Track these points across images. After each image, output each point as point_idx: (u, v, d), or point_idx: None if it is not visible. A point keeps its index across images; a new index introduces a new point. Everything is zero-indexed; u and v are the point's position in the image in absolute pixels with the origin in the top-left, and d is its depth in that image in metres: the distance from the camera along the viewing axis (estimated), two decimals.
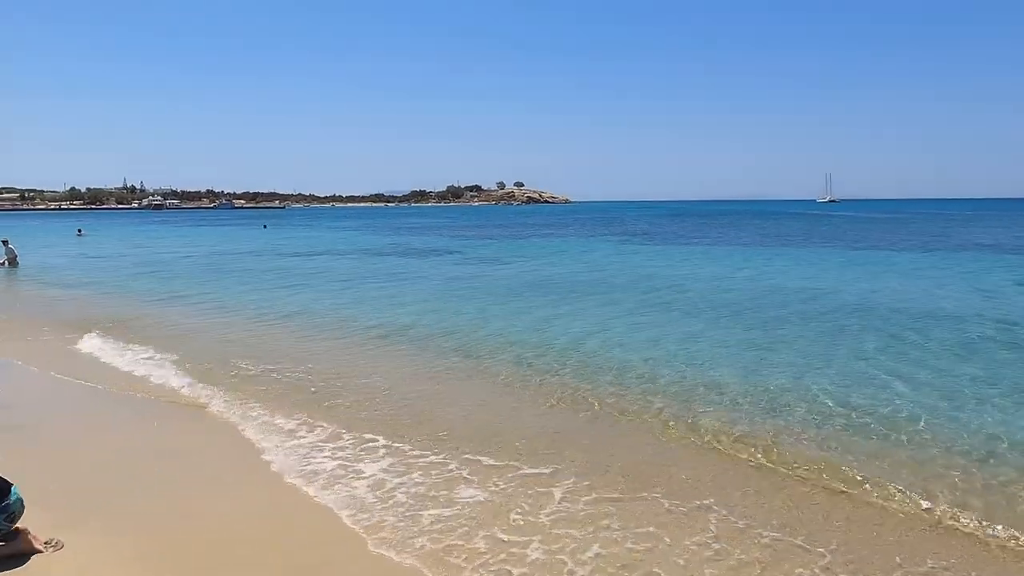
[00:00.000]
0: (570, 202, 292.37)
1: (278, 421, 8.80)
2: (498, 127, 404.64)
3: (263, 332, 15.42)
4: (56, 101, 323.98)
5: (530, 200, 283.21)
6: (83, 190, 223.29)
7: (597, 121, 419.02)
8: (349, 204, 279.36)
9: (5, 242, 33.58)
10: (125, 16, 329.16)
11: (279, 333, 15.23)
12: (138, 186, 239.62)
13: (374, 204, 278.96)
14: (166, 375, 11.26)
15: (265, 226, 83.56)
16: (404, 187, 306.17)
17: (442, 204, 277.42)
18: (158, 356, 12.64)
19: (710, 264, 31.48)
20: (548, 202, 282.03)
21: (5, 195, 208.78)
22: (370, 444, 7.94)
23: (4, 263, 32.01)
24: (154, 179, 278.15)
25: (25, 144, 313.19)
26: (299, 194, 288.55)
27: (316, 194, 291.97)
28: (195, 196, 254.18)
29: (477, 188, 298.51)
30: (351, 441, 8.03)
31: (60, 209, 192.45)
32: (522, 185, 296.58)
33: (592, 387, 10.33)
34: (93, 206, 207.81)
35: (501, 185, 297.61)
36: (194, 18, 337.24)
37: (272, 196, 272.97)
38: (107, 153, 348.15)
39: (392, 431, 8.38)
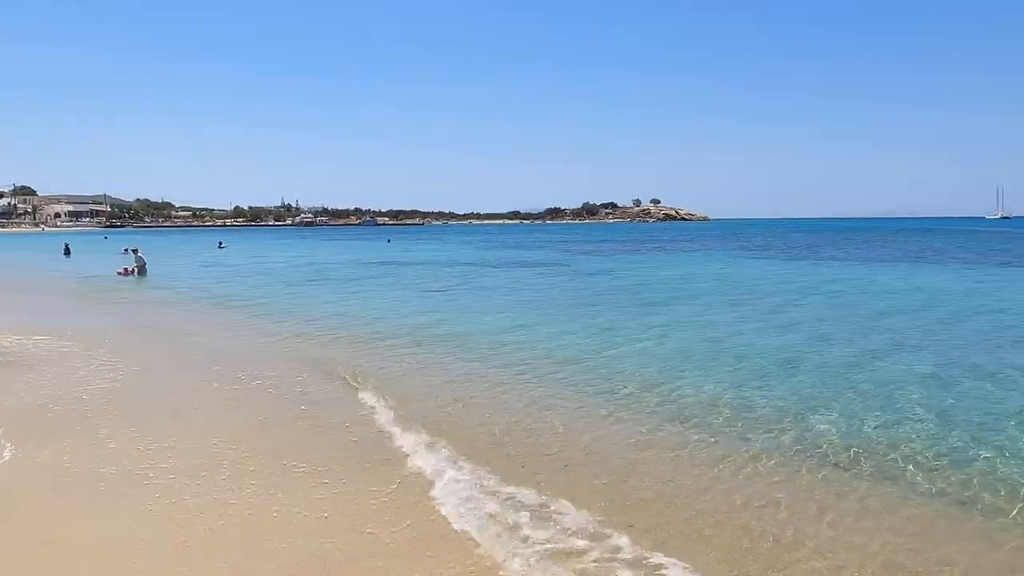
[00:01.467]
0: (708, 219, 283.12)
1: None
2: (635, 144, 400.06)
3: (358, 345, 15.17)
4: (222, 129, 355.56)
5: (667, 217, 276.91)
6: (246, 208, 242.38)
7: (742, 133, 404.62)
8: (486, 222, 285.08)
9: (135, 251, 36.53)
10: (275, 53, 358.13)
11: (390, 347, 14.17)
12: (293, 204, 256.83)
13: (510, 221, 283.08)
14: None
15: (389, 240, 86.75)
16: (540, 205, 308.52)
17: (576, 221, 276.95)
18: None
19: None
20: (685, 219, 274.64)
21: (181, 212, 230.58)
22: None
23: (134, 270, 34.65)
24: (308, 199, 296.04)
25: (199, 169, 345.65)
26: (439, 212, 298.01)
27: (455, 212, 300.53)
28: (344, 214, 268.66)
29: (612, 205, 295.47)
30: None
31: (225, 225, 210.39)
32: (659, 202, 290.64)
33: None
34: (253, 223, 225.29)
35: (637, 202, 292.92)
36: (336, 53, 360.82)
37: (413, 214, 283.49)
38: (267, 176, 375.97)
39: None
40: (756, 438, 8.05)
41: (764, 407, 9.28)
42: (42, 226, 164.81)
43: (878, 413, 8.92)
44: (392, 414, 9.00)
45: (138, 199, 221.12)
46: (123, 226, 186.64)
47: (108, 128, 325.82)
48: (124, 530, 5.61)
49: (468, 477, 6.68)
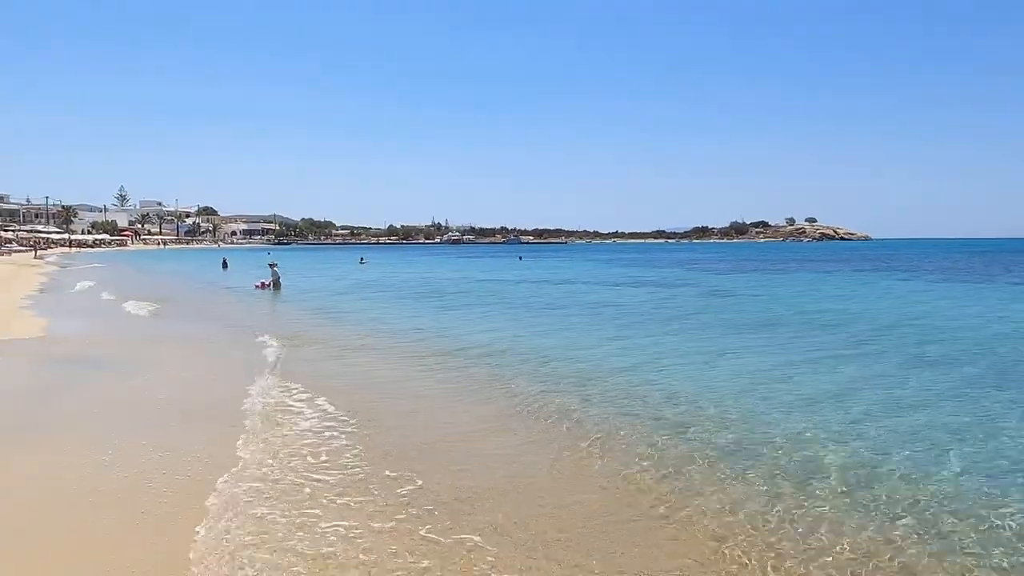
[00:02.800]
0: (870, 239, 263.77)
1: None
2: (791, 160, 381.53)
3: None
4: (382, 151, 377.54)
5: (823, 237, 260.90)
6: (399, 227, 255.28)
7: (910, 148, 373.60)
8: (631, 240, 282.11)
9: (273, 265, 39.24)
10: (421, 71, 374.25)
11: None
12: (443, 223, 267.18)
13: (655, 240, 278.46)
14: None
15: (520, 258, 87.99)
16: (688, 223, 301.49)
17: (725, 241, 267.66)
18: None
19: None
20: (844, 239, 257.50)
21: (340, 231, 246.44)
22: None
23: (270, 284, 37.27)
24: (457, 217, 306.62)
25: (359, 192, 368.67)
26: (583, 231, 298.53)
27: (599, 231, 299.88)
28: (490, 232, 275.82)
29: (764, 224, 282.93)
30: None
31: (378, 243, 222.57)
32: (815, 221, 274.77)
33: None
34: (404, 241, 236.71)
35: (791, 221, 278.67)
36: (481, 72, 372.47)
37: (558, 232, 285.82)
38: (422, 196, 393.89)
39: None
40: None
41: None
42: (219, 243, 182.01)
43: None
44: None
45: (303, 219, 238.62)
46: (289, 243, 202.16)
47: (281, 154, 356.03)
48: None
49: None
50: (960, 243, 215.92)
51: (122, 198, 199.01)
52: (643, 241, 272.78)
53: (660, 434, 8.75)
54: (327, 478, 7.05)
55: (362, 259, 75.33)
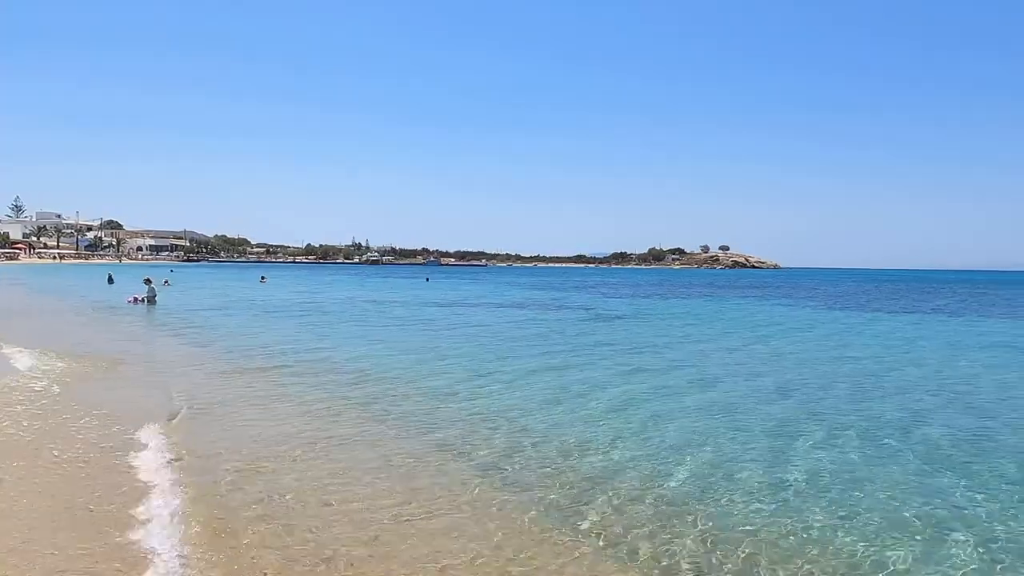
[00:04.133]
0: (779, 268, 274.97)
1: None
2: (708, 187, 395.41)
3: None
4: (302, 170, 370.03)
5: (736, 264, 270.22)
6: (317, 246, 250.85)
7: (818, 181, 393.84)
8: (551, 264, 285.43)
9: (148, 281, 37.77)
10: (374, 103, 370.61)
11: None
12: (363, 243, 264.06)
13: (575, 265, 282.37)
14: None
15: (427, 279, 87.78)
16: (609, 248, 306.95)
17: (642, 266, 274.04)
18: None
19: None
20: (755, 267, 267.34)
21: (255, 249, 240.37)
22: None
23: (144, 300, 35.80)
24: (380, 238, 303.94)
25: (278, 209, 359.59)
26: (505, 254, 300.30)
27: (521, 254, 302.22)
28: (411, 253, 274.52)
29: (680, 251, 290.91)
30: None
31: (294, 261, 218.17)
32: (727, 248, 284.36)
33: None
34: (322, 260, 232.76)
35: (705, 248, 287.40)
36: (419, 101, 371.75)
37: (479, 255, 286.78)
38: (345, 216, 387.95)
39: None
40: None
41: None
42: (122, 258, 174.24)
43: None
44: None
45: (217, 235, 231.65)
46: (199, 260, 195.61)
47: (197, 166, 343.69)
48: None
49: None
50: (870, 273, 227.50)
51: (17, 208, 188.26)
52: (563, 265, 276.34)
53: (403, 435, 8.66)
54: None
55: (263, 278, 73.70)
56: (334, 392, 12.72)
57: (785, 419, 11.01)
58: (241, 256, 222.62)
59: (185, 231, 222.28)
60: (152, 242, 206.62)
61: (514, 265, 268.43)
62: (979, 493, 7.57)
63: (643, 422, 10.65)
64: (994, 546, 6.15)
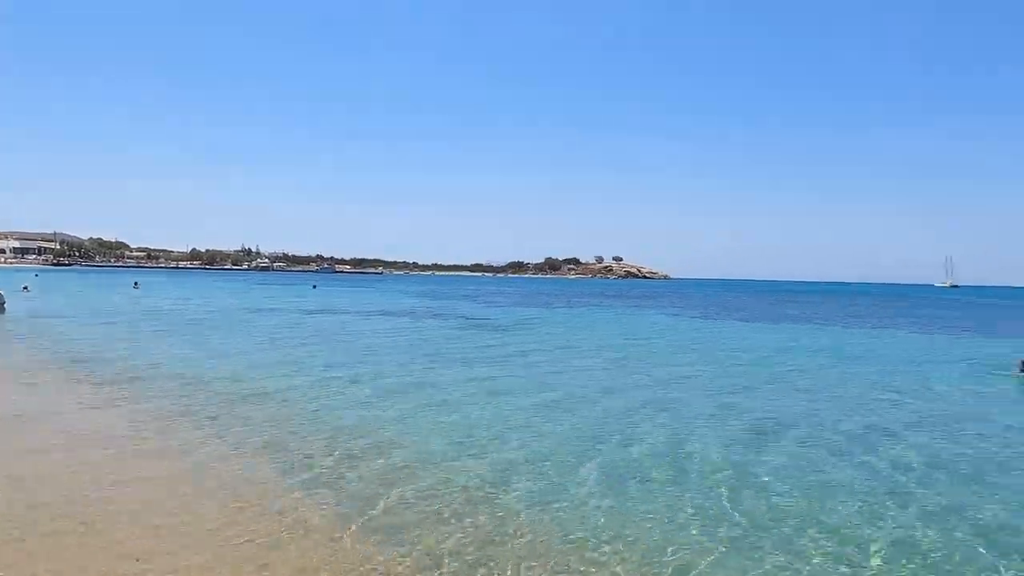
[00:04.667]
0: (669, 278, 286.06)
1: None
2: (603, 201, 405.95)
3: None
4: (193, 174, 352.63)
5: (628, 274, 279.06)
6: (203, 251, 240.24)
7: (711, 198, 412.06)
8: (449, 273, 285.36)
9: None
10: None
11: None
12: (253, 249, 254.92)
13: (472, 273, 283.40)
14: None
15: (315, 286, 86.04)
16: (507, 258, 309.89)
17: (539, 276, 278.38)
18: None
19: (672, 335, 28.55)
20: (647, 277, 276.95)
21: (135, 253, 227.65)
22: None
23: None
24: (272, 244, 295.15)
25: (162, 212, 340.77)
26: (402, 262, 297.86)
27: (418, 262, 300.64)
28: (305, 260, 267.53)
29: (575, 261, 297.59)
30: None
31: (178, 267, 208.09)
32: (621, 259, 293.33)
33: None
34: (208, 266, 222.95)
35: (599, 259, 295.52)
36: (317, 90, 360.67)
37: (375, 263, 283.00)
38: (232, 219, 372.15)
39: None
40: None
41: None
42: None
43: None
44: None
45: (91, 238, 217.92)
46: (71, 264, 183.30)
47: (67, 166, 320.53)
48: None
49: None
50: (758, 284, 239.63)
51: None
52: (460, 274, 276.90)
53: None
54: None
55: (136, 284, 70.34)
56: (137, 399, 12.38)
57: (596, 418, 11.64)
58: (119, 261, 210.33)
59: (56, 233, 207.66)
60: (17, 244, 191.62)
61: (411, 273, 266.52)
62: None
63: (470, 424, 10.98)
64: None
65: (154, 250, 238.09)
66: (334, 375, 16.14)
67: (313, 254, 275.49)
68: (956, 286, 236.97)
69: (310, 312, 40.23)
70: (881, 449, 10.32)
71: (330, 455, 9.17)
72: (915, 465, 9.47)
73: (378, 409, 12.34)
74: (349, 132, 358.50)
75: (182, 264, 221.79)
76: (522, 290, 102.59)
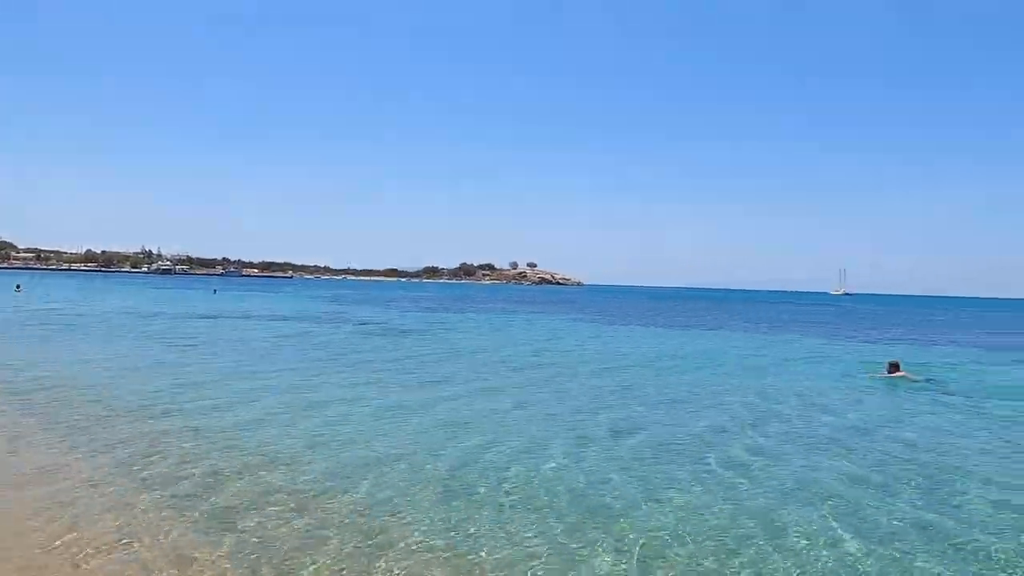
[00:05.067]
0: (582, 285, 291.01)
1: None
2: (519, 207, 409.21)
3: None
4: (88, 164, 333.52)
5: (542, 281, 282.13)
6: (99, 252, 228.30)
7: (622, 205, 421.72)
8: (362, 278, 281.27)
9: None
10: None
11: None
12: (155, 251, 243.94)
13: (386, 278, 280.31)
14: None
15: (216, 291, 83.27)
16: (422, 262, 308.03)
17: (453, 281, 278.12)
18: None
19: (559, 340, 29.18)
20: (560, 284, 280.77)
21: (22, 254, 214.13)
22: None
23: None
24: (176, 245, 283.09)
25: (51, 209, 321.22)
26: (314, 266, 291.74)
27: (330, 266, 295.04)
28: (210, 263, 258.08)
29: (490, 267, 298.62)
30: None
31: (70, 269, 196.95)
32: (535, 266, 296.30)
33: None
34: (104, 268, 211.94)
35: (514, 265, 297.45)
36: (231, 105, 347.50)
37: (285, 266, 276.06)
38: (130, 220, 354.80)
39: None
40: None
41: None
42: None
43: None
44: None
45: None
46: None
47: None
48: None
49: None
50: (668, 291, 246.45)
51: None
52: (374, 279, 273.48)
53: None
54: None
55: (18, 286, 66.40)
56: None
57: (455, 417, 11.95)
58: (3, 262, 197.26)
59: None
60: None
61: (322, 278, 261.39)
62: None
63: (339, 430, 11.05)
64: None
65: (45, 251, 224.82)
66: (202, 379, 15.81)
67: (219, 257, 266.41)
68: (848, 293, 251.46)
69: (201, 316, 38.98)
70: (730, 444, 11.00)
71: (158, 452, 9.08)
72: (751, 459, 10.16)
73: (235, 412, 12.22)
74: (253, 133, 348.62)
75: (75, 266, 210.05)
76: (434, 295, 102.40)
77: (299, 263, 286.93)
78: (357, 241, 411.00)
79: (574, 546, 6.66)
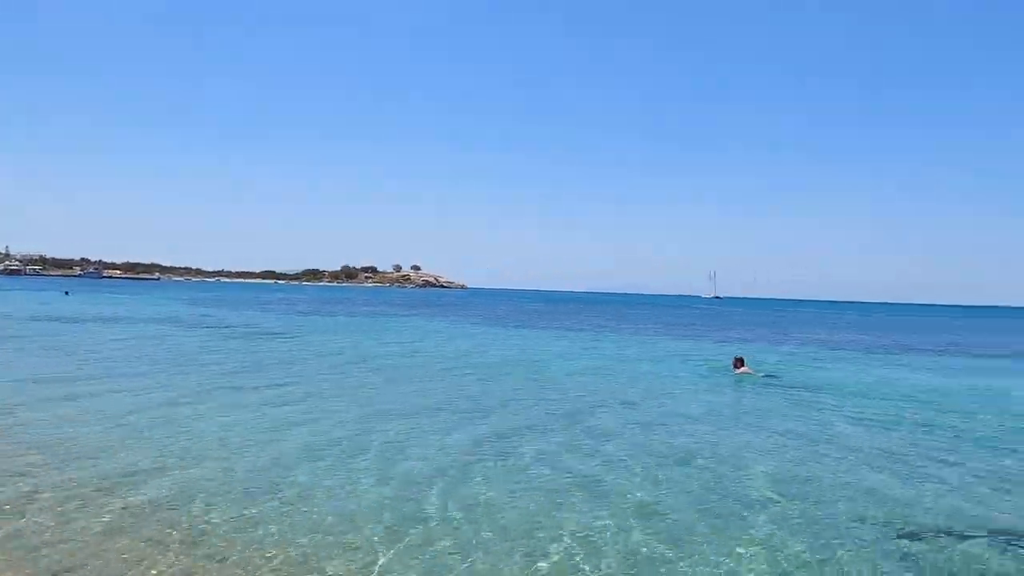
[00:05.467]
0: (466, 287, 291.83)
1: None
2: (404, 210, 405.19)
3: None
4: None
5: (426, 284, 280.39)
6: None
7: (502, 208, 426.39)
8: (238, 280, 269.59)
9: None
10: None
11: None
12: (2, 250, 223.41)
13: (263, 281, 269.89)
14: None
15: (67, 292, 77.37)
16: (300, 265, 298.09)
17: (334, 284, 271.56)
18: None
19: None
20: (444, 287, 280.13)
21: None
22: None
23: None
24: (27, 243, 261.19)
25: None
26: (184, 267, 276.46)
27: (202, 268, 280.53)
28: (67, 264, 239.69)
29: (372, 269, 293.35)
30: None
31: None
32: (419, 269, 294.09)
33: None
34: None
35: (397, 268, 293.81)
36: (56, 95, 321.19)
37: (152, 267, 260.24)
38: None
39: None
40: None
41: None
42: None
43: None
44: None
45: None
46: None
47: None
48: None
49: None
50: (552, 295, 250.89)
51: None
52: (250, 281, 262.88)
53: None
54: None
55: None
56: None
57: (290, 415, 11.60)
58: None
59: None
60: None
61: (193, 280, 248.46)
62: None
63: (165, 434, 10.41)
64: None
65: None
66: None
67: (77, 257, 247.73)
68: (719, 297, 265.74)
69: (36, 319, 35.96)
70: (583, 430, 11.23)
71: None
72: (612, 448, 10.42)
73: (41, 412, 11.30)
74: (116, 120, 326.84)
75: None
76: (310, 298, 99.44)
77: (167, 265, 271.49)
78: (232, 242, 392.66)
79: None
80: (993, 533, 7.34)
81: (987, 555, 6.73)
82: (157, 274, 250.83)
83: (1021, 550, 6.90)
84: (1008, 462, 10.74)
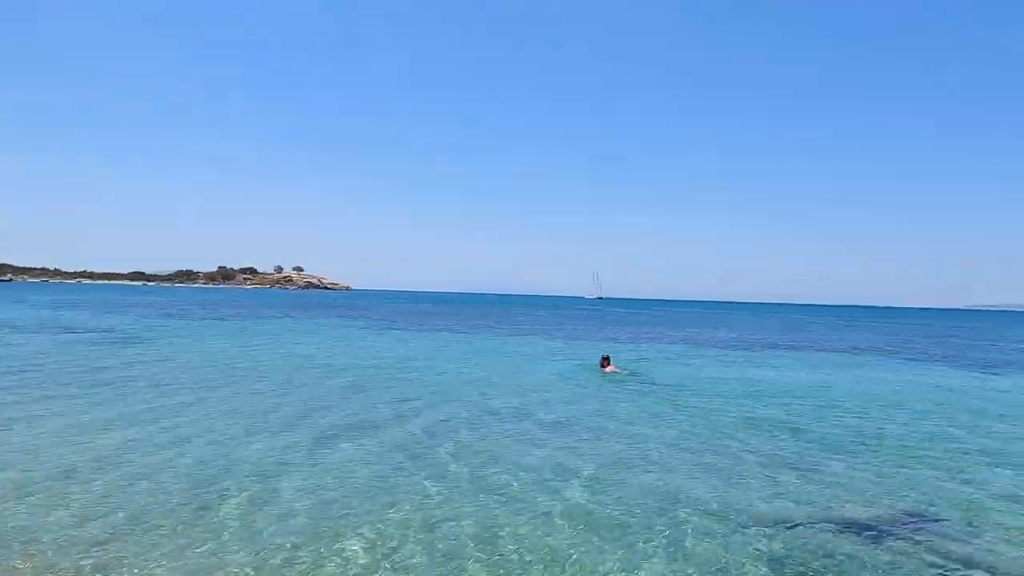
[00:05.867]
0: (351, 289, 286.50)
1: None
2: (289, 210, 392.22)
3: None
4: None
5: (309, 285, 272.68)
6: None
7: (385, 210, 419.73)
8: (101, 281, 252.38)
9: None
10: None
11: None
12: None
13: (131, 283, 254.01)
14: None
15: None
16: (173, 266, 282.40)
17: (210, 285, 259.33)
18: None
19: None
20: (328, 288, 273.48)
21: None
22: None
23: None
24: None
25: None
26: (41, 268, 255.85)
27: (62, 269, 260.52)
28: None
29: (252, 270, 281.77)
30: None
31: None
32: (302, 270, 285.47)
33: None
34: None
35: (279, 269, 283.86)
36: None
37: (4, 268, 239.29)
38: None
39: None
40: None
41: None
42: None
43: None
44: None
45: None
46: None
47: None
48: None
49: None
50: (436, 296, 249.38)
51: None
52: (116, 283, 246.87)
53: None
54: None
55: None
56: None
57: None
58: None
59: None
60: None
61: (50, 281, 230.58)
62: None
63: None
64: None
65: None
66: None
67: None
68: (602, 298, 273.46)
69: None
70: (462, 431, 11.52)
71: None
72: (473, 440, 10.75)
73: None
74: None
75: None
76: (180, 300, 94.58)
77: (20, 265, 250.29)
78: (98, 241, 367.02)
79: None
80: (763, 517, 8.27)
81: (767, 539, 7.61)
82: (8, 275, 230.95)
83: (785, 531, 7.84)
84: (809, 447, 12.01)
